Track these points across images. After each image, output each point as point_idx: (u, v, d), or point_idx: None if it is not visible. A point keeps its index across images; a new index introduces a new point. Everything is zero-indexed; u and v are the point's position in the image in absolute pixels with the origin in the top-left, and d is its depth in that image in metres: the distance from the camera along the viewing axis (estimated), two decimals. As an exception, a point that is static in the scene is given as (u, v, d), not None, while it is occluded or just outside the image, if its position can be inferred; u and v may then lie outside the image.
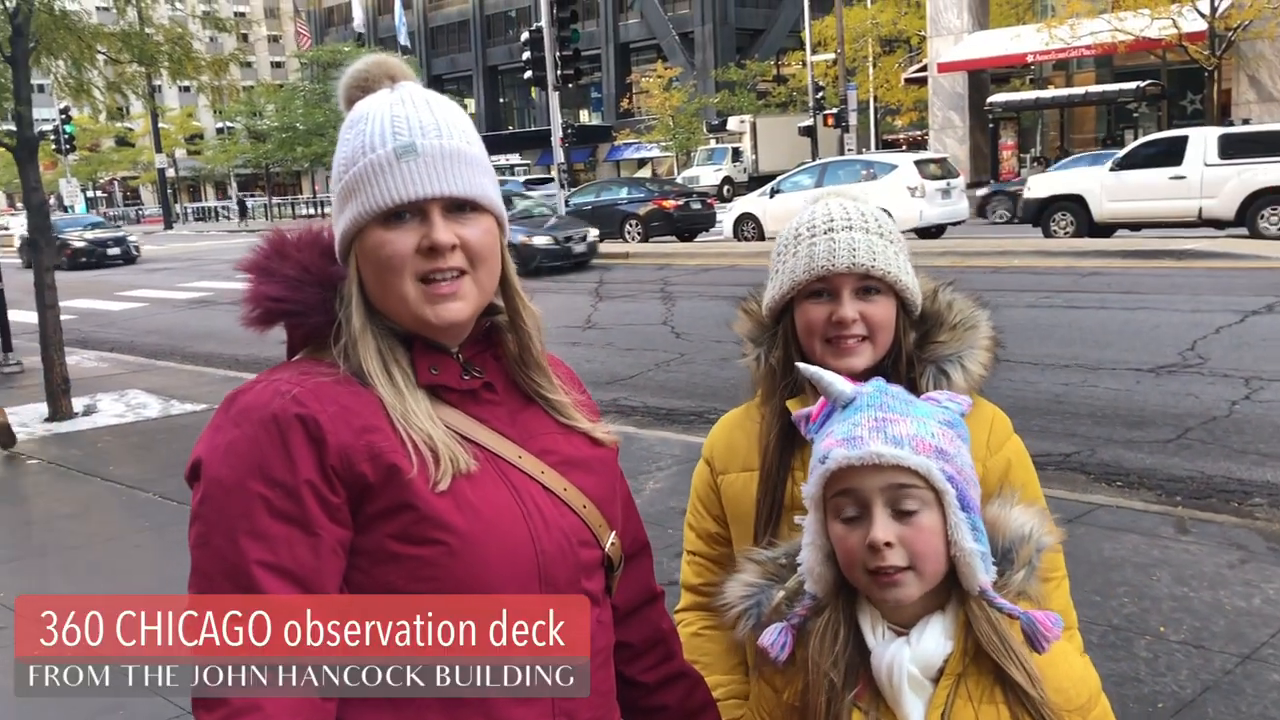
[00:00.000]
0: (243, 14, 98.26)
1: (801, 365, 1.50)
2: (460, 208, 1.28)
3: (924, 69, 34.98)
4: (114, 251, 30.13)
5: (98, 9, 11.19)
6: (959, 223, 21.58)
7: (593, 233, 21.13)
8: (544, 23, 22.94)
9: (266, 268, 1.32)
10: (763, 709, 1.52)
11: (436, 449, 1.24)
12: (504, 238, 1.35)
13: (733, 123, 44.53)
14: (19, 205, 62.41)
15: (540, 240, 19.59)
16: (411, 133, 1.27)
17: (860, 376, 1.65)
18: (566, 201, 25.37)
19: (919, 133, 42.05)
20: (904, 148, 40.14)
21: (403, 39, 62.80)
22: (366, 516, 1.22)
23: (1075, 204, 19.04)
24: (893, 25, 40.13)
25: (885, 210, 1.82)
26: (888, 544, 1.31)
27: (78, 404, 9.63)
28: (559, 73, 23.33)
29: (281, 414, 1.20)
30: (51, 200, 59.12)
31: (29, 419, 9.64)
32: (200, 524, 1.20)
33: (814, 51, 39.68)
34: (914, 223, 20.25)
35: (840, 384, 1.43)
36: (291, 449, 1.19)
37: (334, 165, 1.33)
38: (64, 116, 38.11)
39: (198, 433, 1.29)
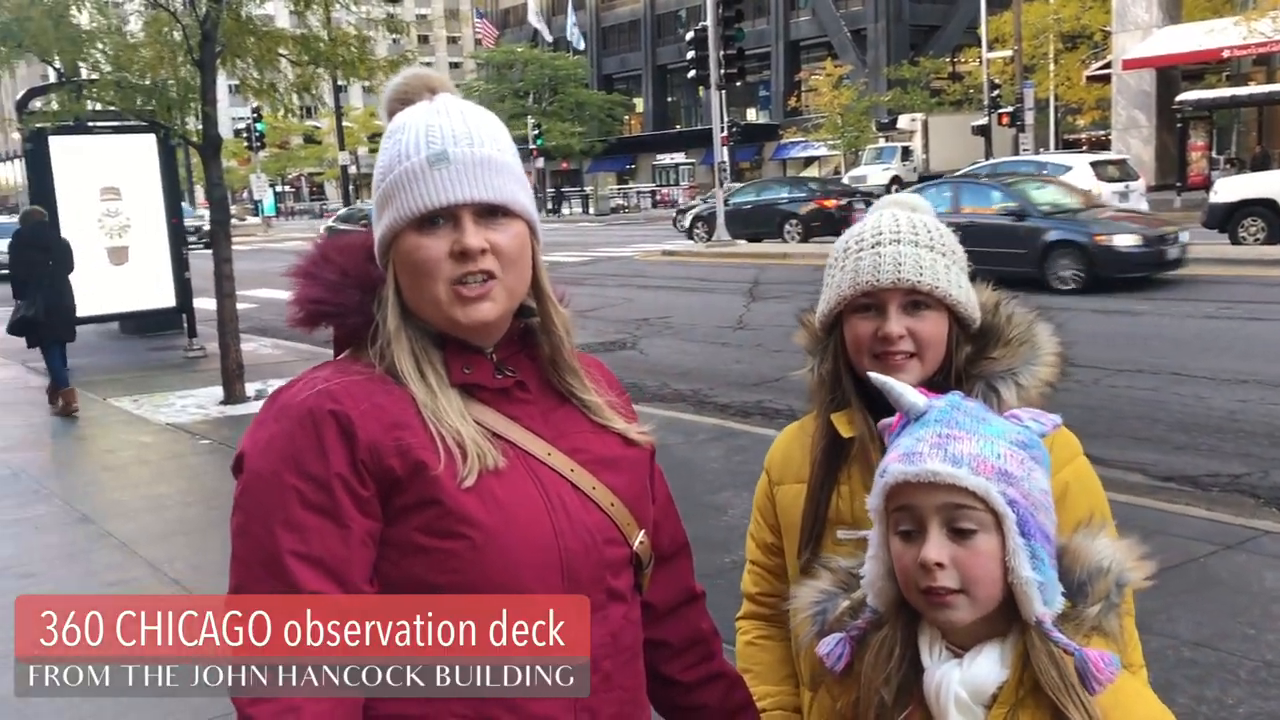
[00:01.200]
0: (424, 15, 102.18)
1: (873, 375, 1.46)
2: (491, 213, 1.32)
3: (1108, 66, 33.38)
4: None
5: (290, 12, 11.78)
6: (1138, 227, 20.46)
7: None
8: (709, 22, 22.95)
9: (310, 272, 1.39)
10: (822, 717, 1.52)
11: (465, 445, 1.28)
12: (536, 242, 1.39)
13: (903, 121, 43.52)
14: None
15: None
16: (444, 141, 1.31)
17: None
18: (726, 201, 25.33)
19: (1101, 133, 40.15)
20: (1085, 148, 38.38)
21: (575, 39, 63.91)
22: (395, 509, 1.26)
23: (1266, 208, 17.82)
24: (1075, 20, 38.42)
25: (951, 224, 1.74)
26: (939, 564, 1.28)
27: (251, 389, 10.19)
28: (722, 71, 23.29)
29: (316, 410, 1.27)
30: (244, 195, 62.80)
31: (206, 401, 10.28)
32: (240, 514, 1.27)
33: (990, 48, 38.41)
34: (1088, 226, 19.34)
35: (911, 395, 1.39)
36: (324, 443, 1.25)
37: (374, 173, 1.39)
38: (255, 115, 40.35)
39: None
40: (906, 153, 41.38)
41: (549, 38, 64.05)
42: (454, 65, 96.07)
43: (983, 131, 35.95)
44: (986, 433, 1.33)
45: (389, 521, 1.27)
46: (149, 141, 13.25)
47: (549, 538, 1.30)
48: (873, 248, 1.63)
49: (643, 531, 1.44)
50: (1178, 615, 4.34)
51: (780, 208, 25.40)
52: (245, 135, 43.98)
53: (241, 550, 1.26)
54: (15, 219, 13.12)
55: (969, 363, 1.66)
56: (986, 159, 29.80)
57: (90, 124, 12.97)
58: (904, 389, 1.40)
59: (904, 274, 1.60)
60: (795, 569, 1.74)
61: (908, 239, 1.62)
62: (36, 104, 11.96)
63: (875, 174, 40.29)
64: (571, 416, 1.42)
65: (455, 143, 1.31)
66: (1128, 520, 4.88)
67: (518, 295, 1.36)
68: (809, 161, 56.56)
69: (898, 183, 38.69)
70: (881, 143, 44.37)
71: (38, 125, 11.47)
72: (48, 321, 10.14)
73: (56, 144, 12.68)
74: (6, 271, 10.74)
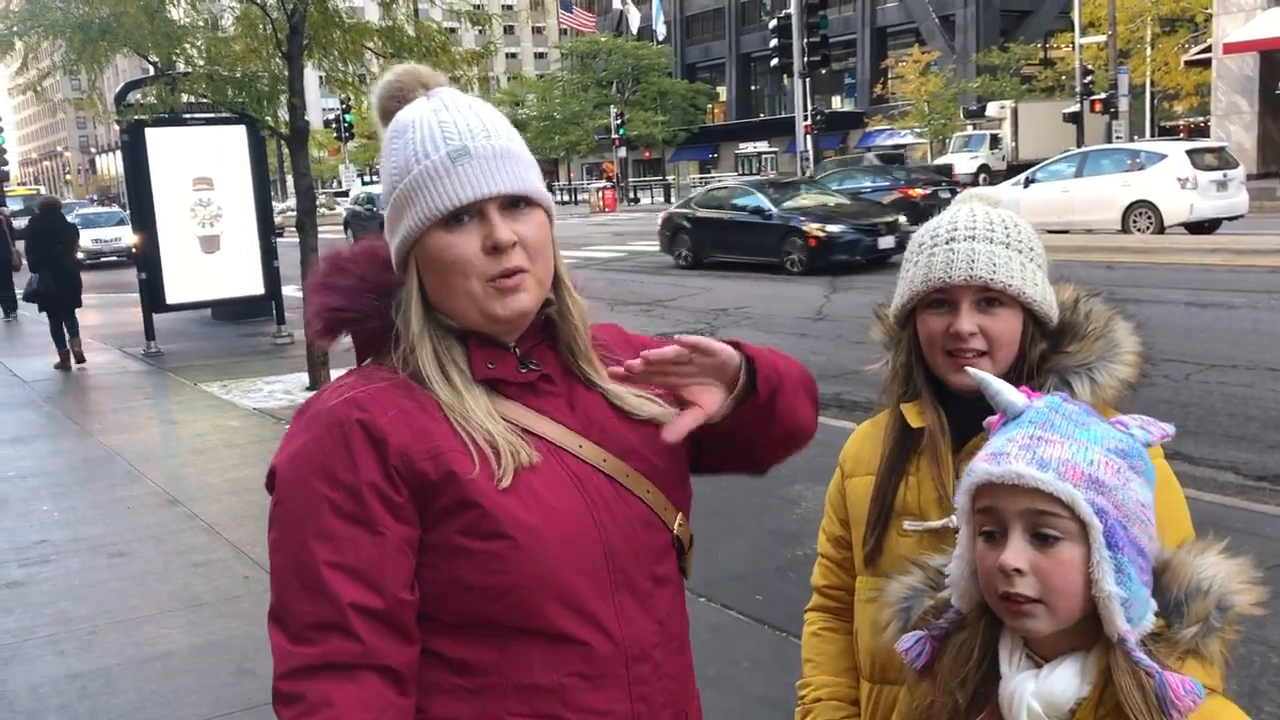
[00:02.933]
0: (509, 6, 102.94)
1: (971, 371, 1.42)
2: (514, 204, 1.31)
3: (1208, 50, 32.23)
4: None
5: (379, 3, 11.94)
6: (1237, 217, 19.73)
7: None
8: (793, 9, 22.72)
9: (326, 284, 1.38)
10: (900, 714, 1.53)
11: (497, 445, 1.27)
12: (552, 229, 1.38)
13: (992, 108, 42.58)
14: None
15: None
16: (462, 137, 1.30)
17: (979, 393, 1.58)
18: (809, 190, 25.03)
19: (1200, 119, 38.84)
20: (1182, 135, 37.18)
21: (659, 28, 63.81)
22: (434, 513, 1.26)
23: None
24: (1175, 3, 37.21)
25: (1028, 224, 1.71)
26: (1018, 570, 1.23)
27: (335, 375, 10.39)
28: (806, 59, 23.04)
29: (345, 418, 1.26)
30: (334, 184, 63.97)
31: (292, 386, 10.53)
32: (274, 528, 1.28)
33: (1084, 33, 37.36)
34: (1183, 216, 18.71)
35: (1009, 394, 1.34)
36: (354, 452, 1.24)
37: (384, 176, 1.37)
38: (344, 106, 41.08)
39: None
40: (995, 141, 40.49)
41: (635, 25, 64.01)
42: (539, 55, 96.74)
43: (1075, 119, 35.03)
44: (1082, 437, 1.27)
45: (428, 526, 1.26)
46: (240, 133, 13.58)
47: (590, 531, 1.30)
48: (947, 243, 1.62)
49: (680, 514, 1.43)
50: (1267, 620, 4.16)
51: (864, 197, 25.07)
52: (335, 126, 44.80)
53: (278, 563, 1.26)
54: (113, 207, 15.88)
55: (1043, 359, 1.64)
56: (1078, 146, 29.01)
57: (185, 116, 13.33)
58: (1002, 387, 1.35)
59: (976, 271, 1.58)
60: (860, 558, 1.74)
61: (983, 235, 1.61)
62: (134, 97, 12.31)
63: (963, 162, 39.48)
64: (597, 404, 1.40)
65: (473, 137, 1.30)
66: (1218, 522, 4.72)
67: (546, 284, 1.36)
68: (895, 149, 55.73)
69: (985, 171, 37.89)
70: (969, 130, 43.49)
71: (135, 118, 11.81)
72: (55, 292, 12.39)
73: (153, 135, 13.06)
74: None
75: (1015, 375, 1.61)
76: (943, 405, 1.67)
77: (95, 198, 51.67)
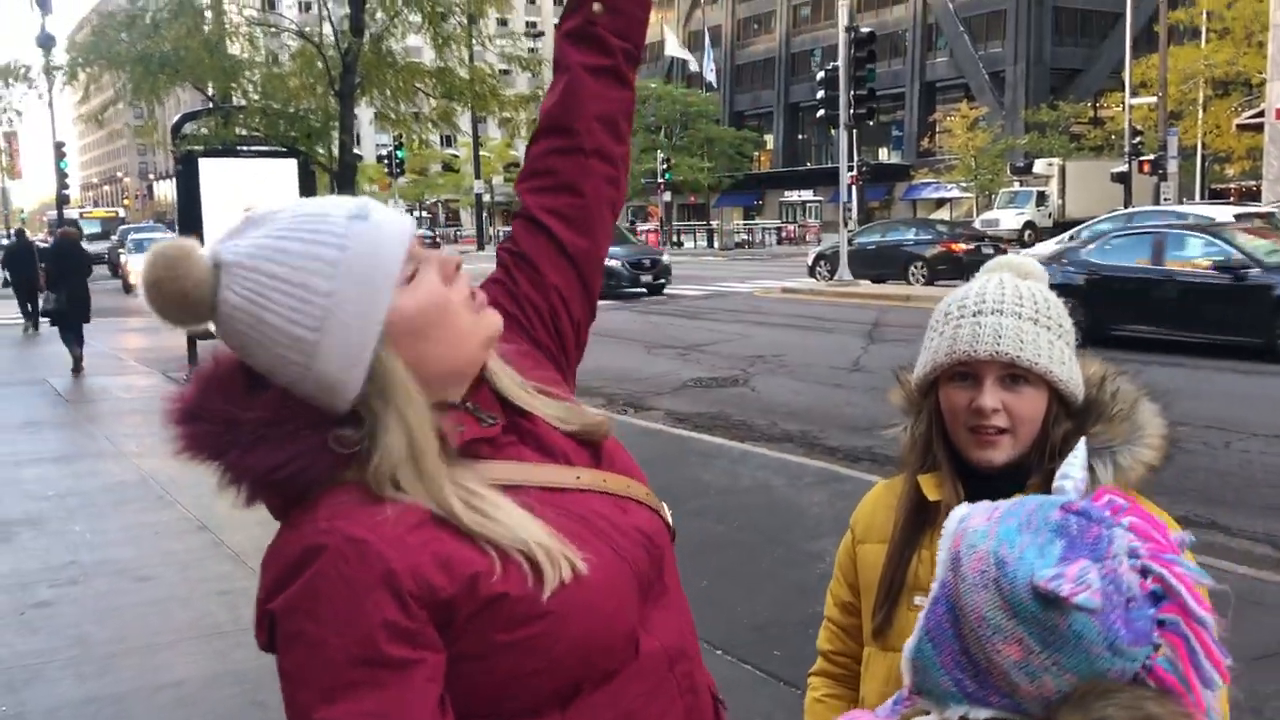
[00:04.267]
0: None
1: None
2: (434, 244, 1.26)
3: (1260, 114, 31.94)
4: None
5: (434, 46, 12.18)
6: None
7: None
8: (840, 62, 22.86)
9: (221, 442, 1.15)
10: None
11: (534, 556, 1.14)
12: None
13: (1039, 165, 42.40)
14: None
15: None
16: (332, 208, 1.17)
17: (1000, 471, 1.60)
18: (850, 240, 25.06)
19: (1252, 183, 38.41)
20: (1232, 199, 36.79)
21: (709, 76, 64.38)
22: (460, 623, 1.12)
23: None
24: (1229, 66, 36.97)
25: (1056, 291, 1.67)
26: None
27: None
28: (852, 111, 23.13)
29: (335, 549, 1.09)
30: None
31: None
32: (285, 684, 1.11)
33: (1134, 93, 37.21)
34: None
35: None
36: (356, 587, 1.08)
37: (281, 317, 1.12)
38: (397, 142, 41.71)
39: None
40: (1042, 198, 40.28)
41: (693, 67, 64.53)
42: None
43: (1123, 179, 34.78)
44: (1006, 535, 1.16)
45: (456, 638, 1.12)
46: (290, 166, 13.84)
47: (617, 566, 1.22)
48: (974, 316, 1.58)
49: (664, 504, 1.39)
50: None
51: (906, 249, 25.00)
52: (386, 161, 45.48)
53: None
54: (166, 233, 18.06)
55: (1065, 439, 1.59)
56: (1125, 207, 28.81)
57: (238, 148, 13.65)
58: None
59: (1002, 347, 1.55)
60: (869, 629, 1.71)
61: (1011, 309, 1.58)
62: (190, 128, 12.62)
63: (1008, 218, 39.31)
64: (548, 429, 1.32)
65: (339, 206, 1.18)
66: (1253, 597, 4.58)
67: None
68: (940, 203, 55.64)
69: (1031, 228, 37.69)
70: (1016, 186, 43.34)
71: (189, 148, 12.09)
72: (70, 310, 14.39)
73: (206, 165, 13.35)
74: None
75: (1037, 455, 1.59)
76: (962, 479, 1.63)
77: (152, 222, 52.83)
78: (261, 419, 1.13)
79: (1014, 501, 1.23)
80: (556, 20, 1.60)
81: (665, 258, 27.28)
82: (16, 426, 10.62)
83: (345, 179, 10.74)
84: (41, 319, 17.23)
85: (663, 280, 25.83)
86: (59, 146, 32.73)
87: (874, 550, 1.74)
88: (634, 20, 1.55)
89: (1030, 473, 1.60)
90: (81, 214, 40.26)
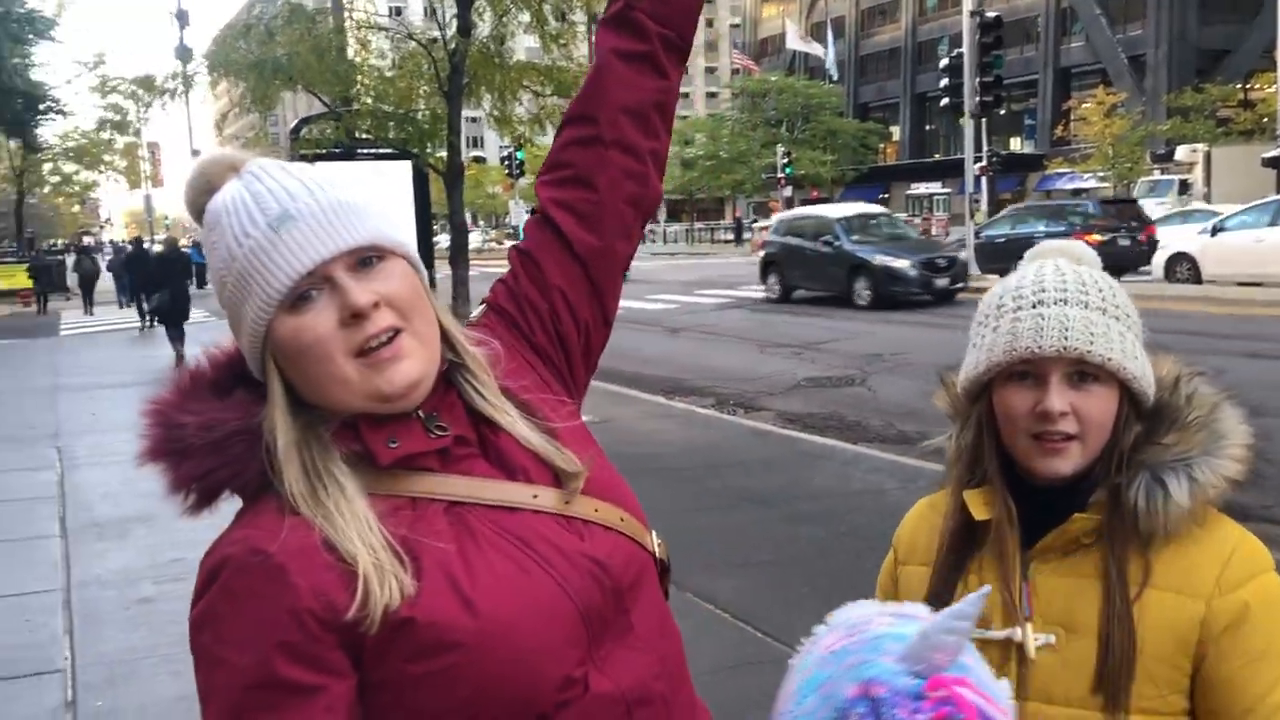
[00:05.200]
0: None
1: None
2: (366, 262, 1.13)
3: None
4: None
5: (540, 40, 12.20)
6: None
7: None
8: (965, 49, 22.12)
9: (174, 448, 1.14)
10: None
11: (368, 579, 1.05)
12: (424, 279, 1.20)
13: (1181, 152, 40.39)
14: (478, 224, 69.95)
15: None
16: (280, 202, 1.12)
17: (1066, 483, 1.41)
18: (976, 233, 24.25)
19: None
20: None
21: (831, 68, 63.44)
22: (370, 649, 1.07)
23: None
24: (1393, 40, 34.54)
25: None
26: None
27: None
28: (978, 99, 22.36)
29: (236, 562, 1.06)
30: (508, 220, 66.05)
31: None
32: (199, 698, 1.09)
33: (1288, 73, 35.12)
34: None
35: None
36: (256, 603, 1.04)
37: (211, 278, 1.18)
38: (516, 143, 42.19)
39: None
40: (1185, 186, 38.40)
41: (817, 56, 63.72)
42: (710, 95, 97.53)
43: (1275, 164, 32.85)
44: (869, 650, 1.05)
45: (367, 666, 1.07)
46: (405, 168, 14.07)
47: (552, 596, 1.11)
48: (1034, 307, 1.40)
49: (653, 532, 1.29)
50: None
51: (1038, 241, 24.02)
52: (507, 162, 46.11)
53: None
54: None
55: (1135, 448, 1.41)
56: (1279, 193, 27.16)
57: (356, 150, 13.92)
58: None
59: (1071, 341, 1.36)
60: None
61: (1075, 298, 1.39)
62: (312, 132, 12.91)
63: (1149, 209, 37.61)
64: (515, 446, 1.21)
65: (294, 199, 1.12)
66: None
67: (432, 341, 1.17)
68: (1076, 193, 53.54)
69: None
70: (1157, 175, 41.42)
71: (303, 151, 12.37)
72: (171, 308, 15.98)
73: (323, 169, 13.65)
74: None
75: (1103, 465, 1.40)
76: (1014, 497, 1.45)
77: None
78: (200, 423, 1.13)
79: (860, 638, 1.06)
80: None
81: (962, 253, 21.81)
82: (134, 425, 11.00)
83: (453, 181, 10.80)
84: (149, 317, 19.91)
85: (961, 283, 20.03)
86: (195, 154, 34.25)
87: (916, 573, 1.57)
88: (679, 6, 1.44)
89: (1094, 485, 1.40)
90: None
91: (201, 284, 32.19)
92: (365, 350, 1.11)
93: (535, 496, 1.17)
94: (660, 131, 1.44)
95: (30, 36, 26.13)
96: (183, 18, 27.88)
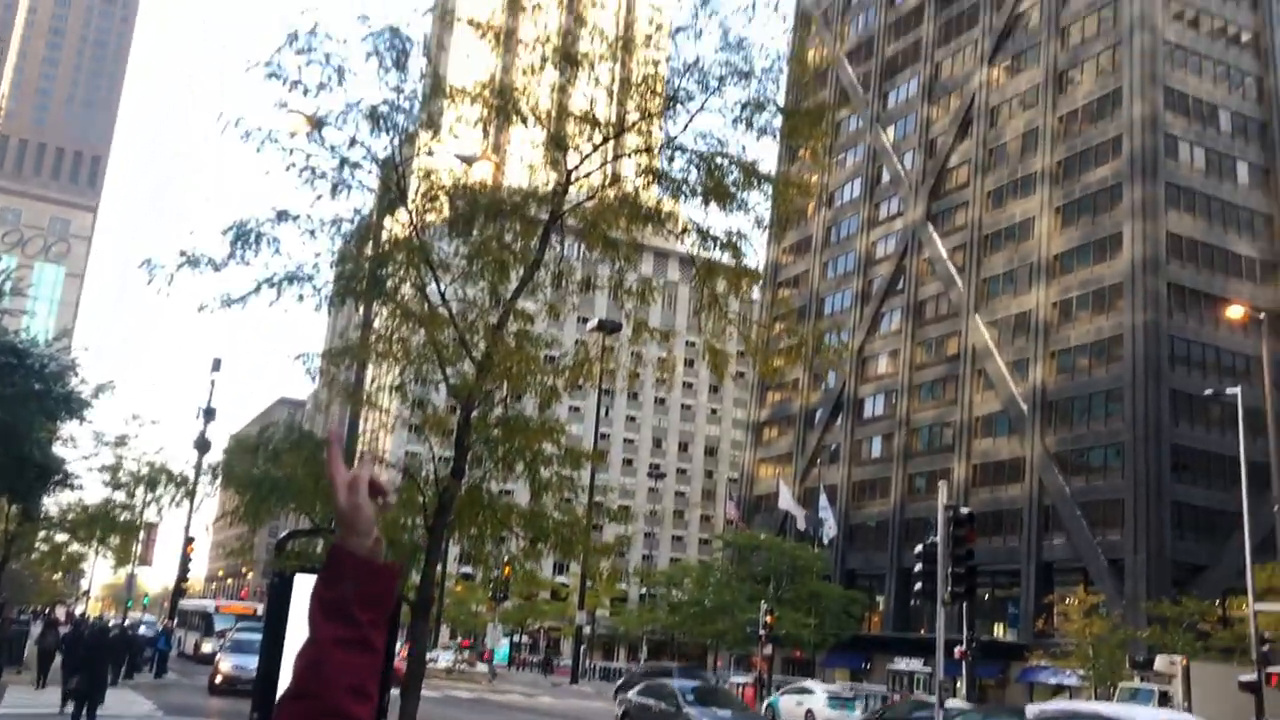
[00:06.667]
0: (682, 493, 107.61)
1: None
2: None
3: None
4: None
5: (532, 491, 12.89)
6: None
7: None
8: (939, 538, 23.06)
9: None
10: None
11: None
12: None
13: (1160, 662, 40.28)
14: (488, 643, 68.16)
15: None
16: None
17: None
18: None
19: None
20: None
21: (828, 534, 65.00)
22: None
23: None
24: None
25: None
26: None
27: None
28: (950, 589, 22.93)
29: None
30: (487, 641, 64.82)
31: None
32: None
33: (1260, 598, 35.83)
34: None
35: None
36: None
37: None
38: (500, 570, 42.67)
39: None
40: (1165, 698, 37.90)
41: (801, 525, 65.48)
42: (704, 541, 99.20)
43: (1251, 688, 32.65)
44: None
45: None
46: (379, 589, 14.36)
47: None
48: None
49: None
50: None
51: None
52: (490, 584, 46.32)
53: None
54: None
55: None
56: (1258, 719, 26.76)
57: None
58: None
59: None
60: None
61: None
62: (295, 545, 13.38)
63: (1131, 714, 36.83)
64: None
65: None
66: None
67: None
68: (1058, 689, 52.60)
69: (1155, 731, 35.08)
70: (1137, 682, 41.01)
71: (286, 565, 12.76)
72: (89, 691, 16.89)
73: (300, 581, 13.96)
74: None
75: None
76: None
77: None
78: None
79: None
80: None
81: None
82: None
83: (420, 609, 11.08)
84: (65, 699, 19.88)
85: None
86: (188, 542, 34.65)
87: None
88: None
89: None
90: (219, 607, 42.02)
91: (160, 672, 30.83)
92: None
93: None
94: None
95: (63, 414, 27.29)
96: (210, 414, 29.65)
